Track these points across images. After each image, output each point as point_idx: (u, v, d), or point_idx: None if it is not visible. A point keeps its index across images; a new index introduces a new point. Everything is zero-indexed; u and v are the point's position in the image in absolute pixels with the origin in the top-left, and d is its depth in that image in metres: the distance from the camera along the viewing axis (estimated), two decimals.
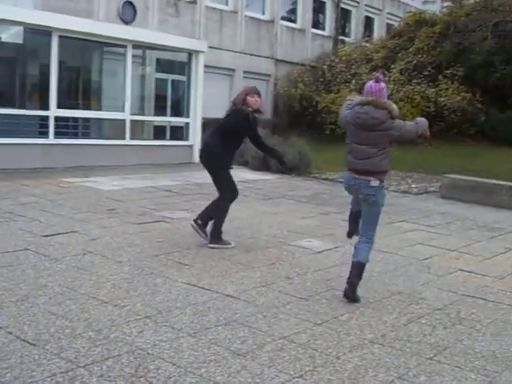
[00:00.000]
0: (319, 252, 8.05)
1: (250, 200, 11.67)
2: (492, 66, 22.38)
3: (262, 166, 16.33)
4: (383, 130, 6.02)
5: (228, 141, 8.10)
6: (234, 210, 10.35)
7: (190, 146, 17.63)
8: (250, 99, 8.04)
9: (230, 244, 8.07)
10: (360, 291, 6.41)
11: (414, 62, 23.76)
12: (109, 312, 5.37)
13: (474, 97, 22.77)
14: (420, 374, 4.58)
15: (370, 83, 6.18)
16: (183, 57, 17.96)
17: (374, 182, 6.11)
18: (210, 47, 18.71)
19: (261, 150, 8.69)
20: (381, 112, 5.99)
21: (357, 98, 6.28)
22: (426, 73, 23.27)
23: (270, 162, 16.17)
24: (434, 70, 23.44)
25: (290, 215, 10.35)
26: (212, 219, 8.22)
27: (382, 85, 6.17)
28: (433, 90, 22.64)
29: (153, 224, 9.01)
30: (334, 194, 13.21)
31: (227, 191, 8.30)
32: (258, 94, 8.18)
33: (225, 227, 8.95)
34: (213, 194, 11.93)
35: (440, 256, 7.83)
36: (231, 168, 8.42)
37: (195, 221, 8.16)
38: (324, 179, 15.76)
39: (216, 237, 8.06)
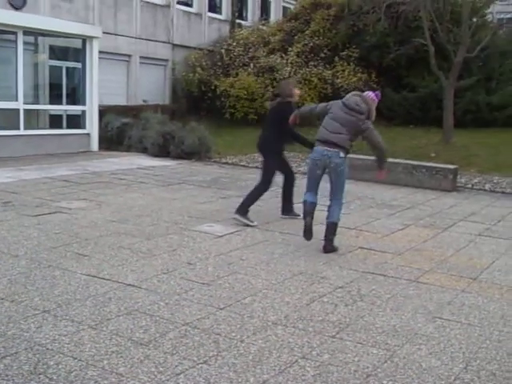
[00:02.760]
0: (220, 236, 8.03)
1: (149, 187, 11.53)
2: (386, 47, 22.86)
3: (162, 152, 16.18)
4: (356, 119, 7.40)
5: (280, 130, 8.82)
6: (133, 197, 10.26)
7: (88, 134, 17.26)
8: (296, 91, 9.14)
9: (253, 222, 8.75)
10: (262, 274, 6.45)
11: (311, 44, 24.01)
12: (5, 308, 5.18)
13: (369, 77, 23.23)
14: (323, 353, 4.62)
15: (371, 93, 7.70)
16: (77, 43, 17.50)
17: (342, 154, 7.40)
18: (104, 33, 18.31)
19: (295, 137, 9.22)
20: (364, 105, 7.43)
21: (352, 92, 7.89)
22: (322, 55, 23.57)
23: (170, 147, 16.07)
24: (330, 52, 23.76)
25: (190, 200, 10.28)
26: (250, 206, 8.98)
27: (376, 99, 7.62)
28: (329, 71, 22.97)
29: (50, 215, 8.76)
30: (235, 178, 13.23)
31: (271, 176, 9.01)
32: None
33: (124, 215, 8.85)
34: (112, 181, 11.80)
35: (340, 234, 7.93)
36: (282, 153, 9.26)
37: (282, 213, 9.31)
38: (224, 163, 15.76)
39: (243, 210, 8.82)
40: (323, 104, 8.02)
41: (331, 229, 7.59)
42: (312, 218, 7.67)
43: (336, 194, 7.62)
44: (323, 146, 7.46)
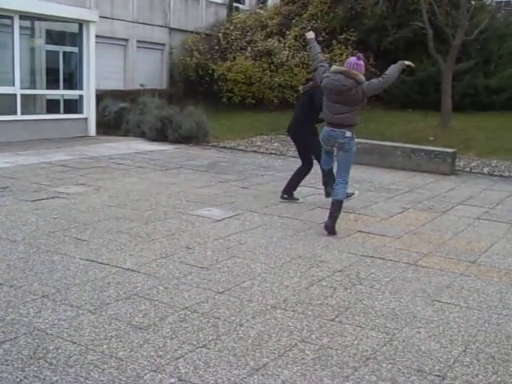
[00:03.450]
0: (219, 220, 8.02)
1: (147, 171, 11.51)
2: (384, 30, 22.77)
3: (159, 137, 16.13)
4: (350, 95, 7.52)
5: (311, 113, 9.03)
6: (131, 182, 10.26)
7: (85, 119, 17.19)
8: None
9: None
10: (261, 257, 6.45)
11: (308, 27, 23.86)
12: (4, 293, 5.17)
13: (367, 61, 23.11)
14: (323, 336, 4.63)
15: (352, 58, 7.71)
16: (74, 27, 17.39)
17: (348, 133, 7.64)
18: (101, 17, 18.18)
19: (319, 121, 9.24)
20: (349, 80, 7.49)
21: (334, 67, 7.87)
22: (320, 38, 23.41)
23: (167, 132, 16.03)
24: (327, 36, 23.65)
25: (188, 185, 10.26)
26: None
27: (361, 62, 7.63)
28: (327, 55, 22.82)
29: (48, 200, 8.74)
30: (233, 162, 13.20)
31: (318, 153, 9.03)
32: None
33: (122, 200, 8.84)
34: (110, 166, 11.78)
35: (339, 218, 7.92)
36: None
37: (282, 196, 9.41)
38: (222, 147, 15.73)
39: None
40: (321, 71, 7.99)
41: (336, 206, 7.70)
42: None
43: (342, 171, 7.82)
44: (329, 127, 7.77)
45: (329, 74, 7.77)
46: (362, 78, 7.56)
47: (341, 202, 7.75)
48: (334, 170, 8.34)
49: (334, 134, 7.71)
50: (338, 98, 7.61)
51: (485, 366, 4.28)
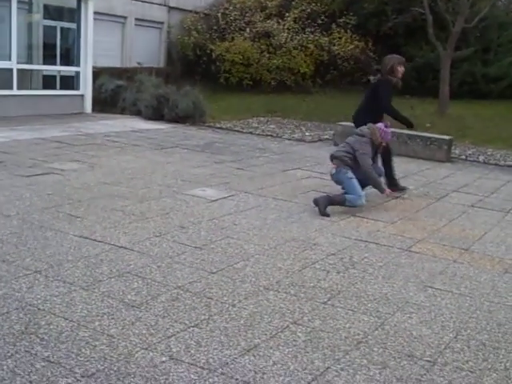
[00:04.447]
0: (213, 201, 8.00)
1: (143, 150, 11.47)
2: (384, 15, 22.73)
3: (156, 115, 16.07)
4: (355, 140, 8.08)
5: (373, 105, 8.81)
6: (127, 160, 10.22)
7: (81, 96, 17.11)
8: (399, 69, 8.89)
9: (406, 188, 9.39)
10: (255, 239, 6.45)
11: (308, 10, 23.82)
12: None
13: (366, 46, 23.12)
14: (315, 319, 4.63)
15: (384, 126, 8.15)
16: (72, 3, 17.27)
17: (334, 171, 8.11)
18: None
19: (391, 115, 9.18)
20: (366, 130, 8.08)
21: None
22: (319, 21, 23.39)
23: (164, 110, 15.97)
24: (327, 19, 23.60)
25: (183, 164, 10.23)
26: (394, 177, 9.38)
27: (388, 130, 8.16)
28: (326, 38, 22.83)
29: (42, 176, 8.71)
30: (229, 143, 13.17)
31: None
32: (404, 64, 9.13)
33: (117, 178, 8.82)
34: (106, 144, 11.73)
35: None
36: None
37: (397, 187, 9.31)
38: (218, 128, 15.67)
39: (393, 183, 9.22)
40: None
41: (340, 198, 7.89)
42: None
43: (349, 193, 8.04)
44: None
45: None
46: (376, 138, 8.06)
47: (344, 199, 7.86)
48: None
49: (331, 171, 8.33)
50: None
51: (475, 352, 4.29)
